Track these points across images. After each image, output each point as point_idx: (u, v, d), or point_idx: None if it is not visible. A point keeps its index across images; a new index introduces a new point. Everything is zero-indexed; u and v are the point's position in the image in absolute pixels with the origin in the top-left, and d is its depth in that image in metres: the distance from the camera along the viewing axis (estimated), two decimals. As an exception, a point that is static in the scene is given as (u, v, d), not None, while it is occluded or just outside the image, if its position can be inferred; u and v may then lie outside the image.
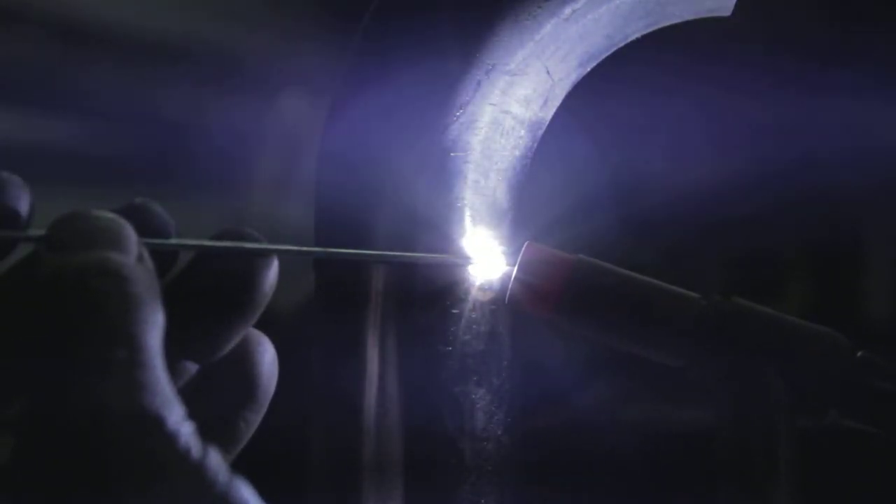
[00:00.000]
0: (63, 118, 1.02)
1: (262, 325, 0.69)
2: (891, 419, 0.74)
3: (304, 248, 0.69)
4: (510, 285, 0.79)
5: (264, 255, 0.65)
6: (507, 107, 0.92)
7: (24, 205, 0.58)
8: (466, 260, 0.82)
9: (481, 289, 0.85)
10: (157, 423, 0.53)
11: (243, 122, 1.07)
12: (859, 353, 0.75)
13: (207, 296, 0.64)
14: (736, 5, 0.92)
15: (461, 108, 0.89)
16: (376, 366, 0.89)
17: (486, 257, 0.83)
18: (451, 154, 0.89)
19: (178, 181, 1.02)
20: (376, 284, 0.89)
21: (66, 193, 0.97)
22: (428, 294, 0.89)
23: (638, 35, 0.94)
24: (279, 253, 0.65)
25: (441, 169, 0.89)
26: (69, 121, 1.02)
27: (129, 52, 1.01)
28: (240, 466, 0.66)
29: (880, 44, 1.07)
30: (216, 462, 0.55)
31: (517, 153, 0.94)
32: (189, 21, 1.05)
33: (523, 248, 0.79)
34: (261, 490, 0.61)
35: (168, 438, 0.53)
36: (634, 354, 0.78)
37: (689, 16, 0.94)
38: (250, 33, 1.07)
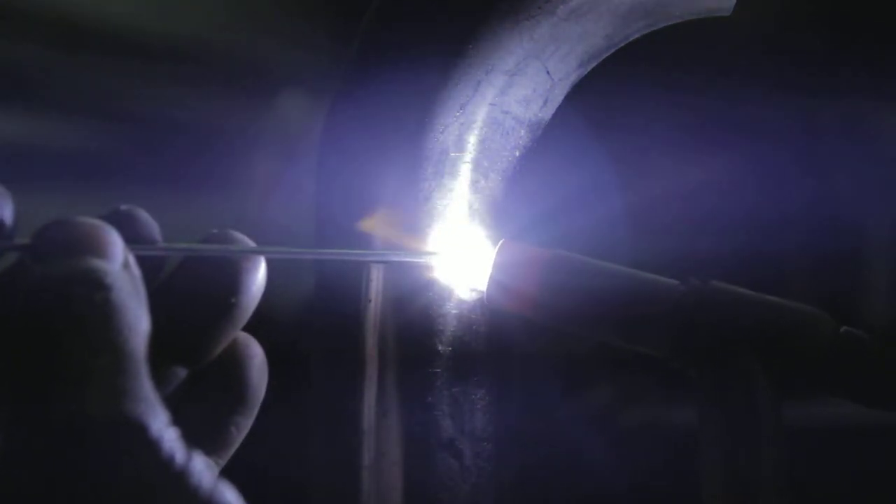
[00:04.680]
0: (60, 119, 1.02)
1: (260, 327, 0.69)
2: (876, 394, 0.73)
3: (290, 249, 0.68)
4: (486, 285, 0.78)
5: (251, 257, 0.65)
6: (507, 107, 0.92)
7: (7, 213, 0.58)
8: (448, 258, 0.82)
9: (468, 290, 0.85)
10: (139, 430, 0.53)
11: (242, 123, 1.07)
12: (842, 329, 0.74)
13: (195, 300, 0.64)
14: (736, 5, 0.92)
15: (461, 108, 0.89)
16: (375, 367, 0.89)
17: (465, 256, 0.82)
18: (451, 154, 0.89)
19: (176, 183, 1.03)
20: (375, 285, 0.89)
21: (62, 195, 0.97)
22: (426, 294, 0.89)
23: (638, 35, 0.94)
24: (265, 254, 0.65)
25: (440, 169, 0.89)
26: (66, 122, 1.02)
27: (128, 53, 1.02)
28: (240, 469, 0.67)
29: (882, 43, 1.07)
30: (200, 467, 0.55)
31: (517, 153, 0.93)
32: (188, 21, 1.06)
33: (497, 248, 0.78)
34: (260, 494, 0.61)
35: (151, 444, 0.53)
36: (618, 347, 0.77)
37: (689, 16, 0.94)
38: (250, 33, 1.08)
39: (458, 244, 0.84)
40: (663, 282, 0.76)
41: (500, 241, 0.79)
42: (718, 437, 0.73)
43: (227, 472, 0.67)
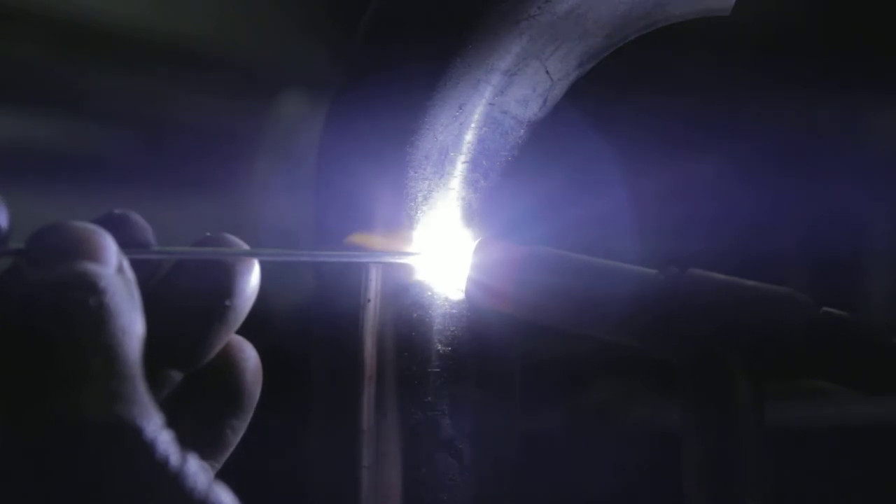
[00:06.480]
0: (58, 120, 1.02)
1: (258, 327, 0.69)
2: (857, 375, 0.72)
3: (284, 251, 0.69)
4: (465, 285, 0.78)
5: (245, 259, 0.65)
6: (506, 106, 0.92)
7: (2, 219, 0.59)
8: (443, 258, 0.82)
9: (452, 289, 0.85)
10: (134, 432, 0.53)
11: (241, 124, 1.07)
12: (822, 310, 0.72)
13: (189, 304, 0.64)
14: (735, 5, 0.92)
15: (460, 108, 0.89)
16: (375, 366, 0.89)
17: (458, 255, 0.82)
18: (450, 153, 0.89)
19: (172, 185, 1.03)
20: (375, 285, 0.89)
21: (57, 197, 0.98)
22: (426, 294, 0.89)
23: (637, 35, 0.94)
24: (259, 257, 0.65)
25: (440, 168, 0.89)
26: (64, 123, 1.02)
27: (128, 53, 1.02)
28: (238, 470, 0.67)
29: (880, 43, 1.07)
30: (195, 469, 0.55)
31: (517, 153, 0.93)
32: (188, 23, 1.06)
33: (475, 247, 0.78)
34: (259, 495, 0.61)
35: (146, 447, 0.53)
36: (600, 339, 0.76)
37: (688, 16, 0.94)
38: (249, 35, 1.08)
39: (456, 244, 0.84)
40: (641, 271, 0.75)
41: (478, 240, 0.79)
42: (698, 433, 0.72)
43: (225, 473, 0.67)
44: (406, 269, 0.87)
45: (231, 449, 0.68)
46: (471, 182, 0.91)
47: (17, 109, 1.01)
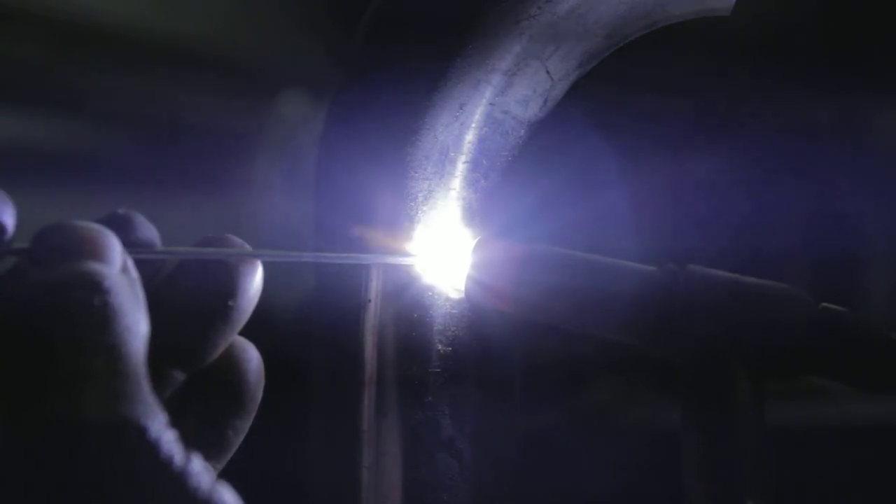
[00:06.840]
0: (59, 120, 1.02)
1: (259, 327, 0.69)
2: (856, 370, 0.72)
3: (286, 252, 0.69)
4: (465, 284, 0.78)
5: (247, 260, 0.65)
6: (507, 107, 0.92)
7: (8, 219, 0.59)
8: (443, 259, 0.82)
9: (452, 289, 0.85)
10: (138, 432, 0.53)
11: (242, 124, 1.07)
12: (821, 306, 0.72)
13: (192, 304, 0.64)
14: (735, 5, 0.92)
15: (461, 108, 0.89)
16: (375, 366, 0.89)
17: (458, 256, 0.81)
18: (451, 153, 0.90)
19: (175, 185, 1.03)
20: (375, 285, 0.89)
21: (61, 196, 0.98)
22: (426, 295, 0.89)
23: (638, 35, 0.94)
24: (262, 258, 0.65)
25: (440, 168, 0.89)
26: (65, 122, 1.02)
27: (128, 53, 1.02)
28: (239, 470, 0.67)
29: (880, 43, 1.07)
30: (199, 468, 0.55)
31: (517, 153, 0.94)
32: (189, 22, 1.05)
33: (474, 246, 0.78)
34: (260, 495, 0.61)
35: (150, 446, 0.53)
36: (599, 338, 0.76)
37: (689, 15, 0.94)
38: (251, 34, 1.08)
39: (456, 244, 0.84)
40: (641, 269, 0.75)
41: (478, 239, 0.79)
42: (698, 433, 0.72)
43: (227, 473, 0.67)
44: (406, 269, 0.87)
45: (233, 449, 0.68)
46: (471, 182, 0.91)
47: (17, 109, 1.01)
